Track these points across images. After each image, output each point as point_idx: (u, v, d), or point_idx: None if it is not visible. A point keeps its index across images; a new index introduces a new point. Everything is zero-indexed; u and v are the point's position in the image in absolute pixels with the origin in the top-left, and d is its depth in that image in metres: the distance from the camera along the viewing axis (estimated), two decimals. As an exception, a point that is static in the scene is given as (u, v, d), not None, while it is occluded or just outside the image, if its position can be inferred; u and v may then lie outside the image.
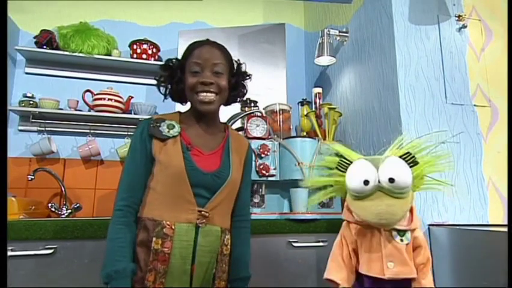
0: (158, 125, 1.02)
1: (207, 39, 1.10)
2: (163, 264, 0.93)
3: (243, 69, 1.16)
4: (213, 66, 1.03)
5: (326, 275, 0.94)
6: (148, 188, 1.01)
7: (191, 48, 1.06)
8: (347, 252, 0.95)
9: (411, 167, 0.86)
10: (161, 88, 1.11)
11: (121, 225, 0.95)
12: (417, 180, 0.89)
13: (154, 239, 0.93)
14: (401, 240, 0.88)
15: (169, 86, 1.10)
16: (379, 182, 0.83)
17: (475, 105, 1.51)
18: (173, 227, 0.94)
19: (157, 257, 0.93)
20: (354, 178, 0.87)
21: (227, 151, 1.09)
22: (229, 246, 1.04)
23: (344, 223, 0.99)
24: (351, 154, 0.95)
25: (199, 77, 1.02)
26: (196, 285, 0.96)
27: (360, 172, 0.86)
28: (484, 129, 1.49)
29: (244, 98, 1.84)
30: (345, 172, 0.90)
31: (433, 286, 0.90)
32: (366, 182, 0.84)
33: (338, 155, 0.97)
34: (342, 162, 0.92)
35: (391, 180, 0.82)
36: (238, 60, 1.16)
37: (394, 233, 0.89)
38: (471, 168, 1.43)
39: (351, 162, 0.90)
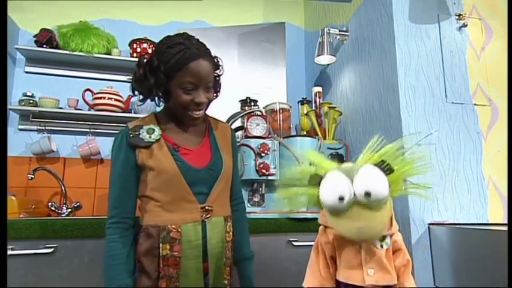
0: (137, 133, 0.98)
1: (197, 44, 1.00)
2: (175, 268, 0.93)
3: (219, 63, 1.08)
4: (207, 83, 0.99)
5: (303, 284, 0.91)
6: (144, 197, 1.00)
7: (181, 61, 0.94)
8: (323, 259, 0.90)
9: (387, 174, 0.80)
10: (136, 91, 1.03)
11: (112, 242, 0.94)
12: (394, 185, 0.83)
13: (161, 245, 0.93)
14: (381, 246, 0.84)
15: (153, 91, 1.00)
16: (354, 195, 0.78)
17: (475, 104, 1.51)
18: (179, 230, 0.94)
19: (167, 263, 0.93)
20: (328, 194, 0.80)
21: (214, 141, 1.08)
22: (231, 233, 1.05)
23: (321, 228, 0.93)
24: (325, 164, 0.87)
25: (193, 95, 0.97)
26: (212, 278, 0.98)
27: (333, 187, 0.80)
28: (484, 128, 1.49)
29: (244, 97, 1.87)
30: (317, 187, 0.83)
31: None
32: (341, 199, 0.77)
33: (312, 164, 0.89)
34: (313, 178, 0.84)
35: (367, 194, 0.76)
36: (216, 57, 1.06)
37: None
38: (471, 167, 1.43)
39: (323, 177, 0.83)
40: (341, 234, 0.83)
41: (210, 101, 1.03)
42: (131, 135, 0.98)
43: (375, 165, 0.81)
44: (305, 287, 0.90)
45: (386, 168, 0.80)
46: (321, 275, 0.89)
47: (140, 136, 0.98)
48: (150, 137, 0.98)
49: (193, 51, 0.96)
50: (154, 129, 1.00)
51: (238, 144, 1.44)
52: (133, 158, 0.97)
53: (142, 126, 1.00)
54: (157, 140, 0.98)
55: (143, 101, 1.05)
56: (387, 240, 0.86)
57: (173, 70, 0.95)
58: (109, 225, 0.96)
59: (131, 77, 1.03)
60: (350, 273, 0.84)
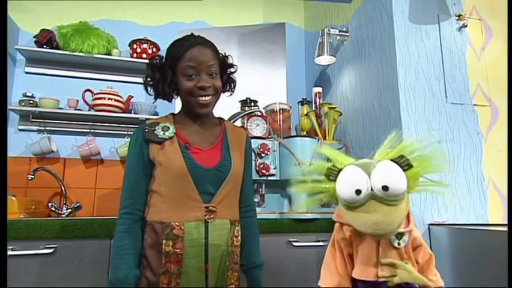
0: (152, 129, 1.02)
1: (196, 36, 1.06)
2: (176, 265, 0.93)
3: (230, 61, 1.14)
4: (208, 68, 1.02)
5: (319, 283, 0.91)
6: (152, 192, 1.01)
7: (181, 49, 1.02)
8: (340, 258, 0.89)
9: (405, 170, 0.79)
10: (149, 89, 1.08)
11: (122, 232, 0.96)
12: (412, 181, 0.82)
13: (164, 241, 0.94)
14: (399, 244, 0.84)
15: (160, 87, 1.05)
16: (372, 189, 0.77)
17: (475, 104, 1.51)
18: (182, 227, 0.95)
19: (169, 259, 0.93)
20: (345, 187, 0.80)
21: (226, 144, 1.09)
22: (239, 238, 1.05)
23: (337, 225, 0.92)
24: (341, 158, 0.87)
25: (196, 81, 1.01)
26: (212, 281, 0.97)
27: (351, 181, 0.80)
28: (484, 128, 1.49)
29: (244, 98, 1.87)
30: (335, 180, 0.83)
31: (441, 282, 0.86)
32: (358, 192, 0.77)
33: (328, 159, 0.89)
34: (331, 170, 0.84)
35: (385, 188, 0.76)
36: (224, 53, 1.12)
37: (392, 237, 0.84)
38: (471, 168, 1.43)
39: (341, 170, 0.83)
40: (356, 228, 0.82)
41: (217, 89, 1.05)
42: (147, 130, 1.02)
43: (394, 160, 0.80)
44: (322, 287, 0.88)
45: (404, 163, 0.79)
46: (338, 273, 0.88)
47: (155, 132, 1.02)
48: (164, 133, 1.02)
49: (191, 41, 1.03)
50: (169, 127, 1.03)
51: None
52: (147, 152, 1.01)
53: (158, 123, 1.05)
54: (171, 138, 1.02)
55: (155, 98, 1.10)
56: (405, 237, 0.85)
57: (174, 60, 1.02)
58: (120, 215, 0.98)
59: (143, 79, 1.09)
60: (364, 269, 0.84)
